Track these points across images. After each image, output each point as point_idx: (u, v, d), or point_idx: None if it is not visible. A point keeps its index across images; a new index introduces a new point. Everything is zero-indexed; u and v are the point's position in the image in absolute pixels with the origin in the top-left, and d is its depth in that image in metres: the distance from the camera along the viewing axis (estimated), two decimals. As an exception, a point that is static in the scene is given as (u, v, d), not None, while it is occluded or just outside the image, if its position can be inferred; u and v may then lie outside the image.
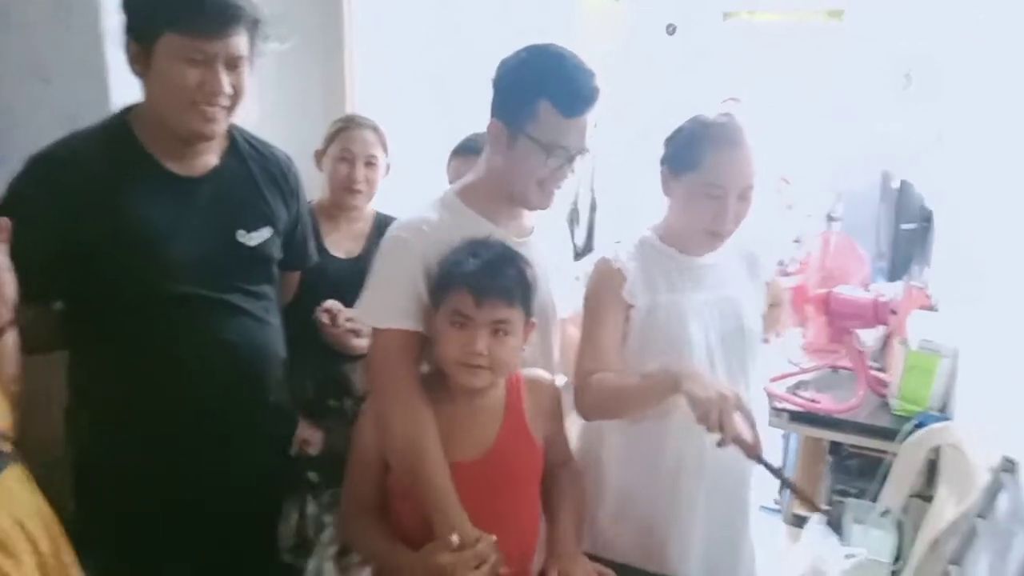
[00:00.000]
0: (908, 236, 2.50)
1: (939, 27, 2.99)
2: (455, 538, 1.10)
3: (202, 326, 1.30)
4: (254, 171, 1.39)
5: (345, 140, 1.78)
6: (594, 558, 1.26)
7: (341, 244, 1.78)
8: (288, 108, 2.41)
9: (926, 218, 2.51)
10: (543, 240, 1.39)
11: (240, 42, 1.21)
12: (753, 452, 1.12)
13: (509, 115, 1.22)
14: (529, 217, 1.36)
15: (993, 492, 1.45)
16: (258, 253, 1.37)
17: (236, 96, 1.25)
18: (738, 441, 1.11)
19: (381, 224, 1.77)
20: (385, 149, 1.83)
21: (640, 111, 4.12)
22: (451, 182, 1.85)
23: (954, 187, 2.32)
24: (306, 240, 1.57)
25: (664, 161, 1.36)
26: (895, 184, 2.65)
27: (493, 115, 1.25)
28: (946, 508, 1.68)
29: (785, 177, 4.72)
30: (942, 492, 1.76)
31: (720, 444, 1.10)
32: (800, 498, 1.20)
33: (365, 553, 1.34)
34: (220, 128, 1.28)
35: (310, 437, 1.67)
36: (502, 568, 1.14)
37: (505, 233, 1.28)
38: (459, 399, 1.21)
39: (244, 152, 1.38)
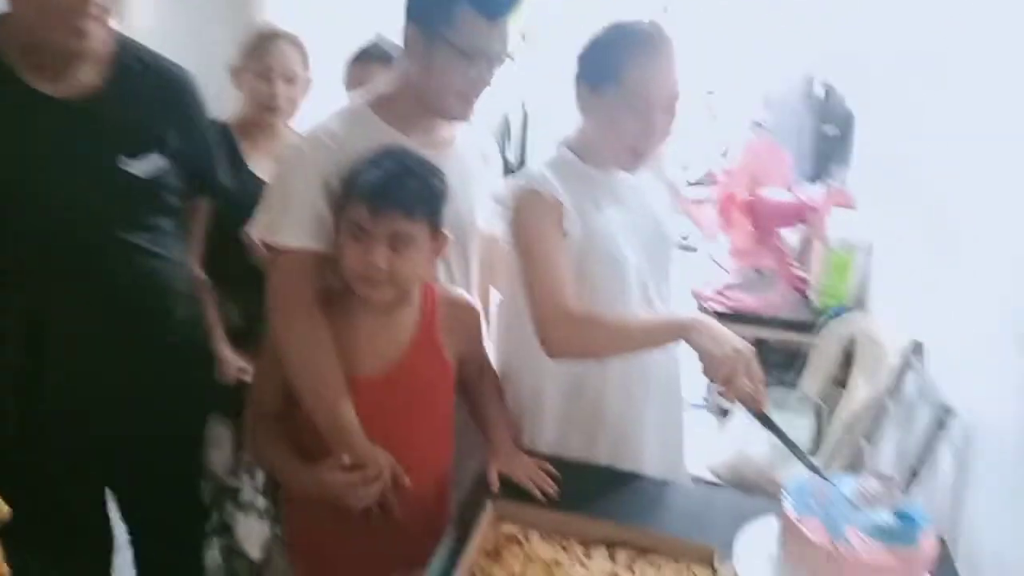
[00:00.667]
0: (828, 138, 2.57)
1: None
2: (346, 458, 1.11)
3: (84, 270, 1.20)
4: (142, 91, 1.24)
5: (263, 55, 1.65)
6: (532, 453, 1.29)
7: (263, 165, 1.68)
8: (189, 15, 2.24)
9: (847, 121, 2.58)
10: (470, 153, 1.34)
11: None
12: (757, 408, 1.11)
13: (425, 19, 1.15)
14: (448, 128, 1.30)
15: (902, 373, 1.57)
16: (147, 183, 1.24)
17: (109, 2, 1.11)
18: (743, 397, 1.08)
19: None
20: (306, 64, 1.72)
21: (573, 24, 4.02)
22: (348, 82, 1.75)
23: (875, 91, 2.37)
24: (212, 165, 1.45)
25: (581, 75, 1.24)
26: (818, 89, 2.70)
27: (408, 19, 1.17)
28: (859, 391, 1.80)
29: (710, 90, 4.74)
30: (856, 377, 1.88)
31: (723, 395, 1.09)
32: (802, 460, 1.14)
33: (265, 464, 1.35)
34: (93, 43, 1.14)
35: (244, 365, 1.65)
36: (406, 480, 1.15)
37: (417, 146, 1.22)
38: (368, 313, 1.18)
39: (131, 69, 1.23)
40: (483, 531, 1.08)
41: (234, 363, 1.62)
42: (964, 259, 1.36)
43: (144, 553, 1.59)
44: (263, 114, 1.68)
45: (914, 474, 1.30)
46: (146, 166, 1.23)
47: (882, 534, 0.96)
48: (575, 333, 1.17)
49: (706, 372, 1.08)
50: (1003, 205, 1.20)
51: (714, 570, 1.04)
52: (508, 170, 1.75)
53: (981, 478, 1.17)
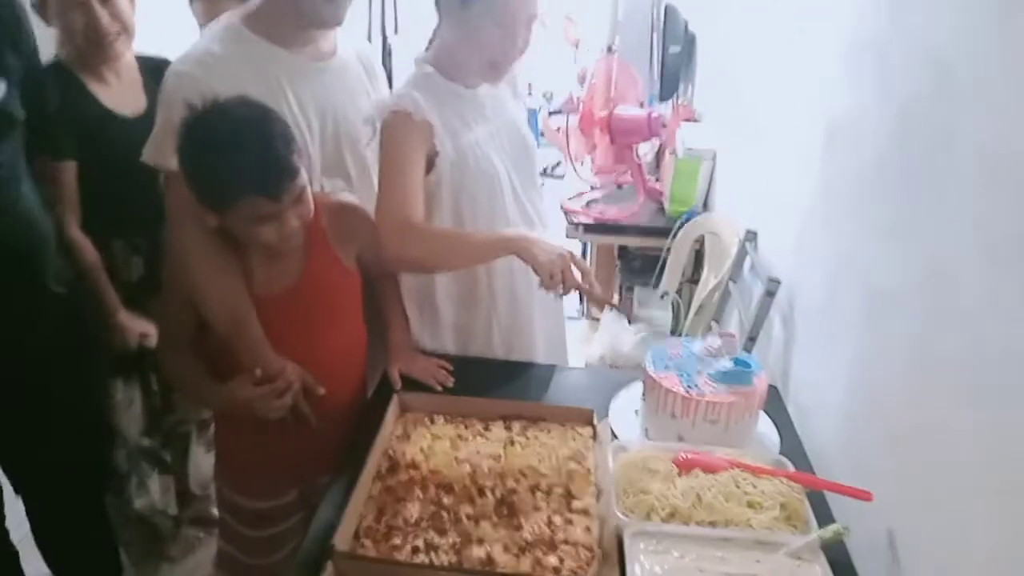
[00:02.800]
0: (675, 58, 2.77)
1: None
2: (258, 372, 1.15)
3: None
4: None
5: None
6: (430, 354, 1.41)
7: (121, 100, 1.57)
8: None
9: (690, 41, 2.79)
10: (353, 64, 1.36)
11: None
12: (599, 299, 1.26)
13: None
14: (327, 40, 1.31)
15: (740, 259, 1.80)
16: None
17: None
18: (580, 290, 1.21)
19: (152, 68, 1.59)
20: None
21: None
22: (200, 18, 1.71)
23: (710, 12, 2.58)
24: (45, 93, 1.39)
25: None
26: (661, 10, 2.88)
27: None
28: (708, 281, 2.05)
29: (569, 16, 4.85)
30: (705, 270, 2.13)
31: (562, 295, 1.21)
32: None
33: (181, 387, 1.38)
34: None
35: (146, 329, 1.59)
36: (319, 390, 1.21)
37: (299, 59, 1.24)
38: None
39: None
40: (391, 420, 1.20)
41: (135, 328, 1.59)
42: (783, 159, 1.58)
43: (40, 508, 1.57)
44: (94, 47, 1.50)
45: (752, 339, 1.54)
46: None
47: (724, 378, 1.17)
48: (411, 246, 1.22)
49: (540, 276, 1.18)
50: (807, 115, 1.42)
51: (593, 428, 1.21)
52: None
53: (801, 334, 1.42)
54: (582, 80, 4.15)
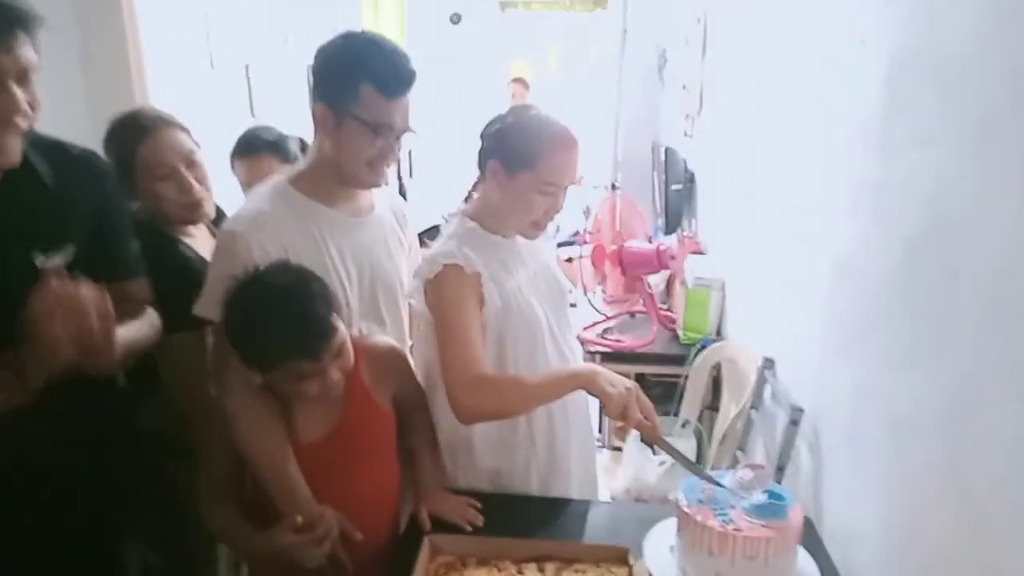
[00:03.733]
0: (677, 194, 2.93)
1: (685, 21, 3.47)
2: (299, 519, 1.17)
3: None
4: (46, 179, 1.18)
5: (152, 150, 1.47)
6: (459, 491, 1.40)
7: (207, 248, 1.54)
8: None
9: (690, 178, 2.96)
10: (387, 215, 1.47)
11: (28, 50, 1.04)
12: (653, 434, 1.27)
13: (334, 98, 1.28)
14: (366, 196, 1.42)
15: (760, 387, 1.83)
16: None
17: (34, 112, 1.07)
18: (640, 426, 1.24)
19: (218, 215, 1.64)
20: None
21: (427, 94, 4.30)
22: (243, 183, 1.84)
23: (707, 152, 2.76)
24: (122, 246, 1.35)
25: (496, 155, 1.33)
26: (661, 153, 3.08)
27: (317, 100, 1.30)
28: (729, 409, 2.06)
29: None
30: (725, 398, 2.14)
31: (622, 429, 1.24)
32: (693, 470, 1.30)
33: (221, 534, 1.36)
34: (18, 154, 1.09)
35: None
36: (356, 535, 1.22)
37: (340, 215, 1.34)
38: None
39: (33, 158, 1.16)
40: (422, 564, 1.18)
41: None
42: (792, 289, 1.65)
43: None
44: (185, 213, 1.52)
45: (780, 469, 1.53)
46: (59, 259, 1.18)
47: (760, 512, 1.16)
48: (486, 399, 1.25)
49: (606, 411, 1.22)
50: (814, 248, 1.50)
51: (629, 567, 1.19)
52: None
53: (828, 462, 1.42)
54: (586, 214, 4.36)
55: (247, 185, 1.83)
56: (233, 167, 1.92)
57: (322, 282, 1.21)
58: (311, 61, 1.33)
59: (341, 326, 1.20)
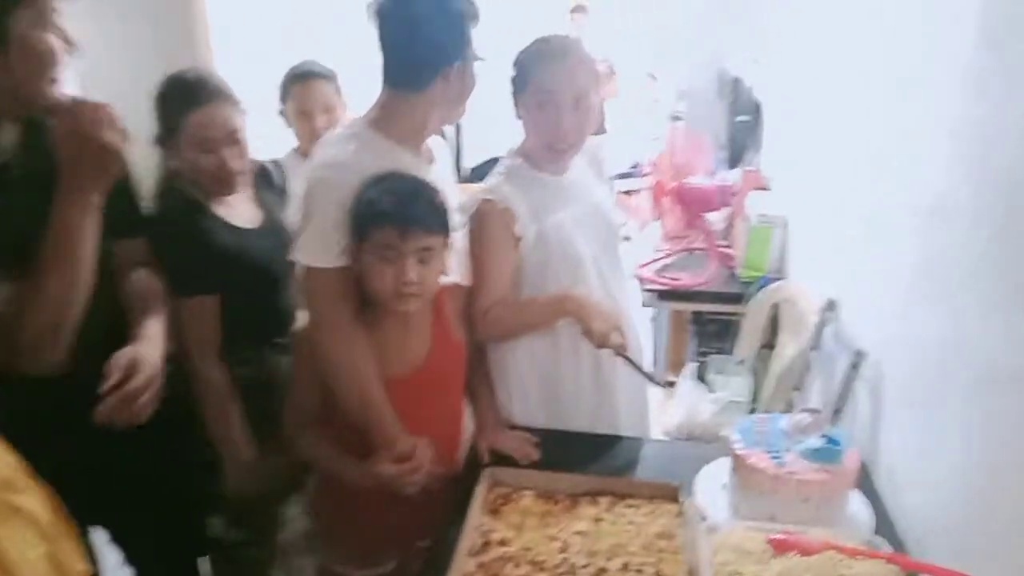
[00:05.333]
0: (742, 127, 2.82)
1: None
2: (397, 450, 1.23)
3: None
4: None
5: (200, 122, 1.45)
6: (516, 427, 1.45)
7: (243, 216, 1.57)
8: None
9: (756, 109, 2.84)
10: (439, 158, 1.47)
11: None
12: (623, 353, 1.37)
13: (459, 52, 1.28)
14: (426, 141, 1.41)
15: (821, 328, 1.79)
16: None
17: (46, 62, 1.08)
18: (613, 347, 1.35)
19: (258, 177, 1.64)
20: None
21: (489, 29, 4.19)
22: (298, 112, 1.93)
23: (778, 82, 2.63)
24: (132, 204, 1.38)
25: (512, 88, 1.41)
26: (727, 81, 2.95)
27: (445, 63, 1.27)
28: (786, 349, 2.03)
29: (652, 73, 4.93)
30: (783, 338, 2.11)
31: (599, 347, 1.34)
32: (648, 378, 1.49)
33: (315, 462, 1.43)
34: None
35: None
36: (441, 466, 1.29)
37: (418, 162, 1.34)
38: (391, 320, 1.30)
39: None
40: (481, 495, 1.23)
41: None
42: (869, 230, 1.58)
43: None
44: (220, 188, 1.51)
45: (837, 412, 1.52)
46: None
47: (814, 455, 1.17)
48: (495, 321, 1.39)
49: (585, 334, 1.32)
50: (903, 190, 1.43)
51: (680, 504, 1.22)
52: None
53: (891, 408, 1.40)
54: (655, 140, 4.24)
55: (302, 112, 1.93)
56: (287, 96, 1.96)
57: (440, 195, 1.28)
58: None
59: (440, 240, 1.25)
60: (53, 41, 1.08)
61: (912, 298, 1.35)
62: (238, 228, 1.53)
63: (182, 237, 1.43)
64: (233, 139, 1.47)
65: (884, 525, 1.20)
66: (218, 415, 1.48)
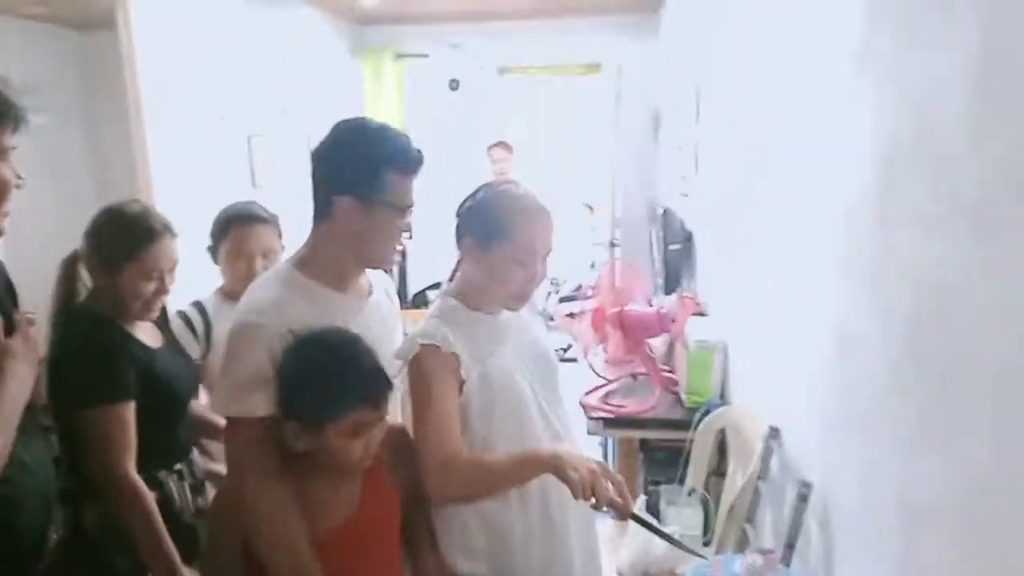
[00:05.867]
0: (675, 255, 2.93)
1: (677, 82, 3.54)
2: None
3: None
4: None
5: (155, 254, 1.55)
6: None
7: (147, 336, 1.63)
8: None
9: (687, 238, 2.97)
10: (383, 296, 1.47)
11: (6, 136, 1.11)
12: (626, 511, 1.26)
13: (360, 188, 1.28)
14: (364, 278, 1.42)
15: (766, 457, 1.78)
16: None
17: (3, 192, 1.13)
18: (611, 504, 1.23)
19: None
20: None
21: (427, 159, 4.37)
22: (232, 253, 1.87)
23: (704, 213, 2.78)
24: None
25: (468, 233, 1.37)
26: (659, 211, 3.10)
27: (339, 192, 1.28)
28: (736, 478, 2.01)
29: (590, 204, 5.17)
30: (731, 465, 2.09)
31: (595, 508, 1.23)
32: (667, 540, 1.40)
33: None
34: None
35: None
36: None
37: (346, 299, 1.33)
38: (319, 471, 1.23)
39: None
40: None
41: None
42: (795, 358, 1.63)
43: None
44: (144, 311, 1.59)
45: (790, 547, 1.48)
46: None
47: (771, 602, 1.12)
48: (453, 480, 1.27)
49: (573, 493, 1.19)
50: (815, 319, 1.49)
51: (637, 662, 1.14)
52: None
53: (841, 541, 1.37)
54: (592, 266, 4.38)
55: (238, 254, 1.88)
56: (224, 236, 1.90)
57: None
58: (312, 140, 1.34)
59: None
60: (8, 173, 1.10)
61: (834, 427, 1.38)
62: (147, 346, 1.59)
63: (104, 347, 1.49)
64: (173, 268, 1.60)
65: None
66: (148, 527, 1.45)
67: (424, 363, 1.30)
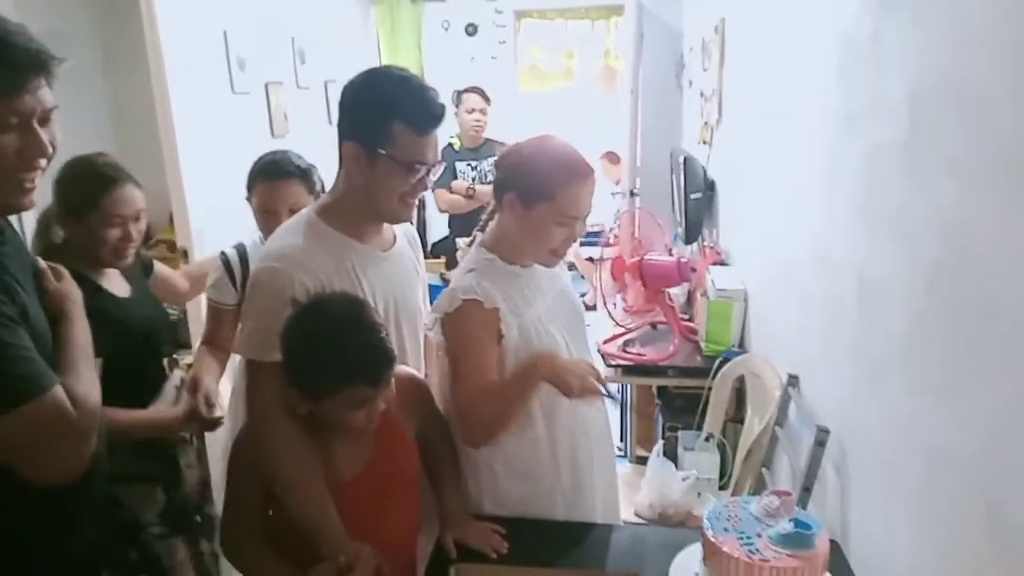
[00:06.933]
0: (696, 203, 2.91)
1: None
2: (342, 559, 1.17)
3: None
4: None
5: (114, 200, 1.54)
6: (482, 517, 1.40)
7: (115, 285, 1.64)
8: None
9: (710, 186, 2.94)
10: (406, 246, 1.47)
11: (47, 92, 1.04)
12: (598, 392, 1.34)
13: (366, 137, 1.26)
14: (388, 229, 1.42)
15: (784, 404, 1.81)
16: None
17: (54, 151, 1.08)
18: (592, 394, 1.30)
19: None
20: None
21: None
22: (262, 207, 1.79)
23: (727, 162, 2.74)
24: None
25: (514, 188, 1.35)
26: (680, 160, 3.06)
27: (347, 138, 1.27)
28: (753, 425, 2.04)
29: (613, 153, 5.07)
30: (749, 412, 2.13)
31: (589, 403, 1.30)
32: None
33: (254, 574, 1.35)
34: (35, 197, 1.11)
35: None
36: (387, 571, 1.21)
37: (368, 249, 1.34)
38: (333, 428, 1.24)
39: None
40: (449, 594, 1.19)
41: None
42: (817, 308, 1.63)
43: None
44: (115, 260, 1.59)
45: (807, 490, 1.51)
46: None
47: (786, 542, 1.15)
48: (484, 413, 1.31)
49: (563, 392, 1.28)
50: (837, 269, 1.48)
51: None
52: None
53: (857, 486, 1.40)
54: (615, 218, 4.34)
55: (265, 211, 1.80)
56: (252, 189, 1.87)
57: (376, 312, 1.23)
58: (333, 88, 1.33)
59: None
60: (44, 138, 1.05)
61: (856, 374, 1.39)
62: (117, 297, 1.61)
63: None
64: (138, 216, 1.60)
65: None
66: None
67: (465, 318, 1.31)
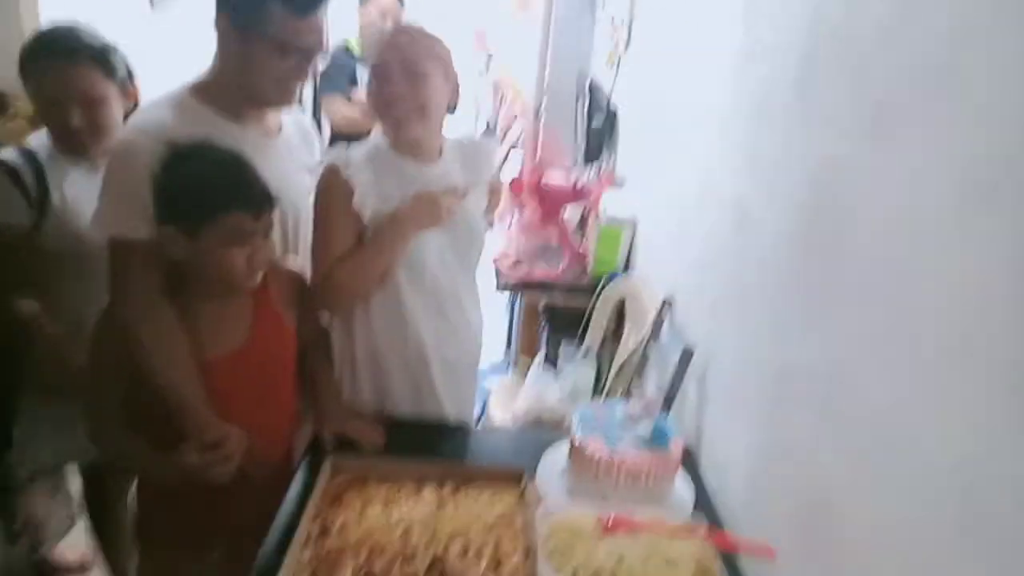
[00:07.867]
0: (598, 128, 2.94)
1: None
2: (205, 439, 1.16)
3: None
4: None
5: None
6: (360, 413, 1.43)
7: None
8: None
9: (612, 112, 2.97)
10: (295, 135, 1.41)
11: None
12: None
13: (239, 12, 1.17)
14: (274, 116, 1.35)
15: (658, 323, 1.92)
16: None
17: None
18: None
19: None
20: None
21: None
22: (37, 97, 1.45)
23: (629, 89, 2.77)
24: None
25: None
26: (585, 85, 3.06)
27: (220, 8, 1.18)
28: (628, 342, 2.16)
29: (480, 29, 4.92)
30: (626, 330, 2.25)
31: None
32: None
33: (117, 457, 1.35)
34: None
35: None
36: (258, 453, 1.22)
37: (246, 134, 1.26)
38: (212, 297, 1.22)
39: None
40: (323, 482, 1.21)
41: None
42: (695, 232, 1.72)
43: None
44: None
45: (669, 401, 1.64)
46: None
47: (644, 443, 1.26)
48: (333, 281, 1.31)
49: (433, 224, 1.33)
50: (717, 194, 1.56)
51: (522, 488, 1.27)
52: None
53: (713, 399, 1.53)
54: (496, 92, 4.32)
55: (48, 101, 1.44)
56: (28, 74, 1.44)
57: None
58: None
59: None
60: None
61: (724, 296, 1.50)
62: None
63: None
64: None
65: (705, 504, 1.32)
66: None
67: (323, 186, 1.31)
